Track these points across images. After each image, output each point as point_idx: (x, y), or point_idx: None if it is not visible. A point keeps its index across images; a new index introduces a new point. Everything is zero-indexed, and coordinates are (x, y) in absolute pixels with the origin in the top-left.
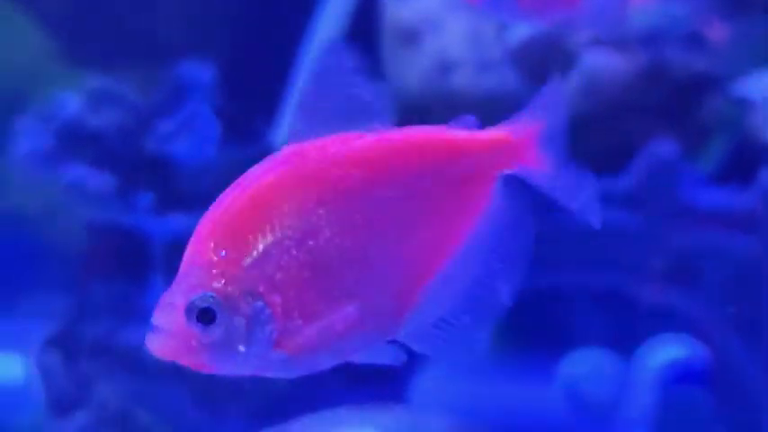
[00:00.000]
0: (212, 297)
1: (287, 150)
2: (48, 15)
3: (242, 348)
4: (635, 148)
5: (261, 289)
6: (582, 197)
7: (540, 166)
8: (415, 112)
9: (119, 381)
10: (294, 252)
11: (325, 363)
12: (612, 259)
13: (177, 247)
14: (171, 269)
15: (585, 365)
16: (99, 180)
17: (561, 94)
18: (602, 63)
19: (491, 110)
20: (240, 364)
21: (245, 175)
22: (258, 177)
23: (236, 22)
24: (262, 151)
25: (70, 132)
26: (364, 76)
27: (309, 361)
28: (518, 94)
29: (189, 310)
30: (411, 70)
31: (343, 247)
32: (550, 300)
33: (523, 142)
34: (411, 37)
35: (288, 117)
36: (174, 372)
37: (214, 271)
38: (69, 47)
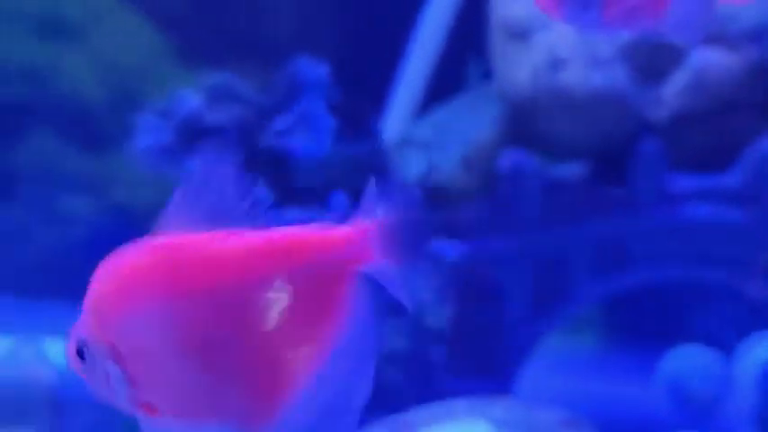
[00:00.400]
0: (83, 340)
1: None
2: (162, 14)
3: (109, 393)
4: (742, 144)
5: (120, 352)
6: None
7: (379, 263)
8: (524, 109)
9: None
10: (159, 332)
11: None
12: (718, 255)
13: None
14: None
15: (688, 361)
16: None
17: (399, 189)
18: (711, 60)
19: (600, 107)
20: (116, 403)
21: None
22: (131, 257)
23: (349, 18)
24: (374, 146)
25: (189, 128)
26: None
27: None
28: (627, 91)
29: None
30: (520, 68)
31: (208, 341)
32: (654, 296)
33: (362, 239)
34: (520, 34)
35: (397, 112)
36: None
37: (89, 319)
38: (183, 45)
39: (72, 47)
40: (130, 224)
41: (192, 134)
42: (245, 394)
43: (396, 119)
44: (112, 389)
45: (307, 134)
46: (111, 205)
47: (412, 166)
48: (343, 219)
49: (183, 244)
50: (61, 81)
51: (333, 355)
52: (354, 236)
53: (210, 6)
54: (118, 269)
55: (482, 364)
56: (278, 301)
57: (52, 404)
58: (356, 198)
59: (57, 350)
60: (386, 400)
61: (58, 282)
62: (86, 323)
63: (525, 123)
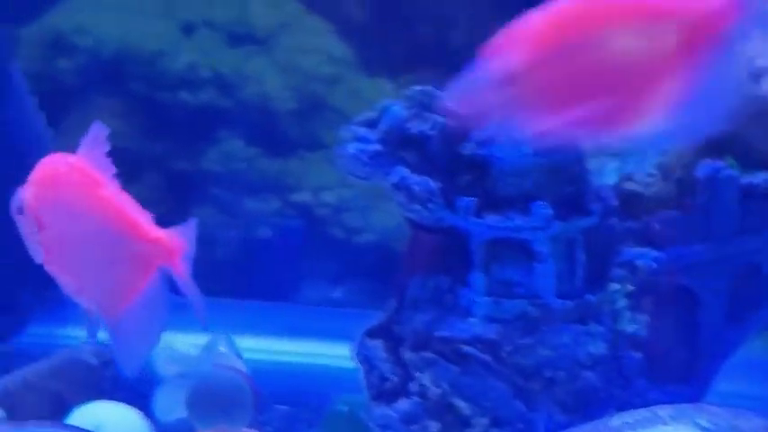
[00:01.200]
0: (22, 203)
1: None
2: (346, 22)
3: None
4: None
5: (41, 223)
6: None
7: (178, 272)
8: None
9: (439, 371)
10: (70, 226)
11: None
12: None
13: (493, 245)
14: (487, 266)
15: None
16: (422, 182)
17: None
18: None
19: None
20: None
21: None
22: None
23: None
24: (573, 154)
25: (395, 137)
26: None
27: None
28: None
29: None
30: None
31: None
32: None
33: (172, 248)
34: None
35: None
36: (491, 364)
37: (33, 190)
38: (366, 53)
39: (260, 54)
40: (312, 226)
41: (397, 143)
42: None
43: None
44: (31, 243)
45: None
46: (294, 207)
47: (608, 174)
48: (546, 226)
49: None
50: (249, 87)
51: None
52: (164, 241)
53: (394, 14)
54: (59, 168)
55: (678, 371)
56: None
57: (249, 399)
58: (556, 206)
59: (248, 347)
60: (584, 404)
61: (244, 281)
62: (30, 191)
63: (724, 132)
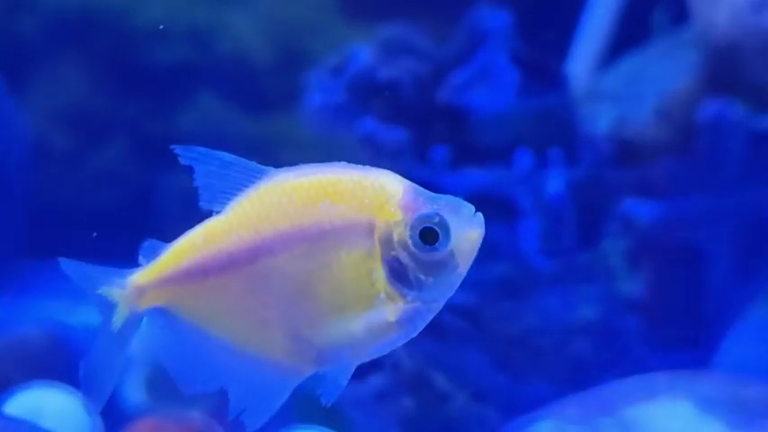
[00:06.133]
0: None
1: None
2: None
3: None
4: None
5: None
6: None
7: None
8: (724, 55)
9: (414, 344)
10: None
11: None
12: None
13: (473, 202)
14: None
15: None
16: (392, 134)
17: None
18: None
19: None
20: None
21: None
22: None
23: None
24: (560, 100)
25: (362, 85)
26: None
27: None
28: None
29: None
30: (720, 9)
31: None
32: None
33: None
34: None
35: (583, 62)
36: (472, 336)
37: None
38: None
39: (236, 5)
40: None
41: (365, 91)
42: None
43: (582, 69)
44: None
45: (487, 88)
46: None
47: (601, 120)
48: (528, 178)
49: None
50: (225, 41)
51: None
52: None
53: None
54: None
55: (681, 335)
56: None
57: None
58: (541, 156)
59: None
60: (576, 375)
61: None
62: None
63: (726, 70)
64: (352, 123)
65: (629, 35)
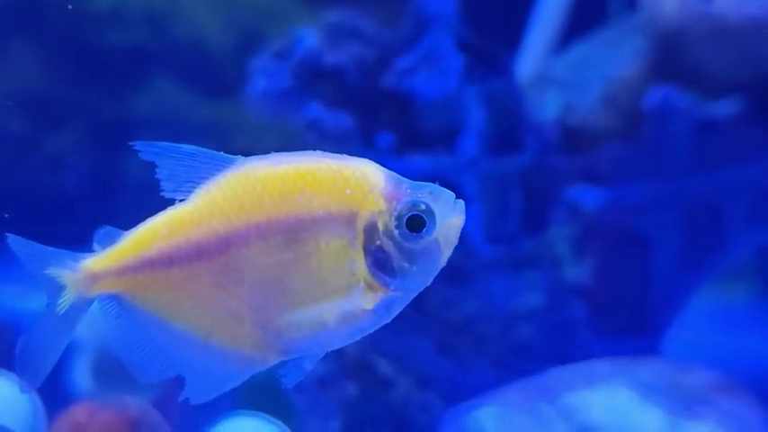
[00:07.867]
0: None
1: None
2: None
3: None
4: None
5: None
6: None
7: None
8: (672, 41)
9: None
10: None
11: None
12: None
13: None
14: None
15: None
16: (338, 119)
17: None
18: None
19: (757, 37)
20: None
21: None
22: None
23: None
24: (507, 86)
25: (307, 70)
26: None
27: None
28: None
29: None
30: None
31: None
32: None
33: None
34: None
35: (531, 48)
36: (416, 322)
37: None
38: None
39: None
40: None
41: (311, 76)
42: None
43: (531, 55)
44: None
45: (432, 73)
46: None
47: (548, 106)
48: (473, 164)
49: None
50: (181, 25)
51: None
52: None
53: None
54: None
55: (626, 321)
56: None
57: None
58: (487, 142)
59: None
60: (520, 361)
61: None
62: None
63: (674, 57)
64: (297, 108)
65: (585, 20)
